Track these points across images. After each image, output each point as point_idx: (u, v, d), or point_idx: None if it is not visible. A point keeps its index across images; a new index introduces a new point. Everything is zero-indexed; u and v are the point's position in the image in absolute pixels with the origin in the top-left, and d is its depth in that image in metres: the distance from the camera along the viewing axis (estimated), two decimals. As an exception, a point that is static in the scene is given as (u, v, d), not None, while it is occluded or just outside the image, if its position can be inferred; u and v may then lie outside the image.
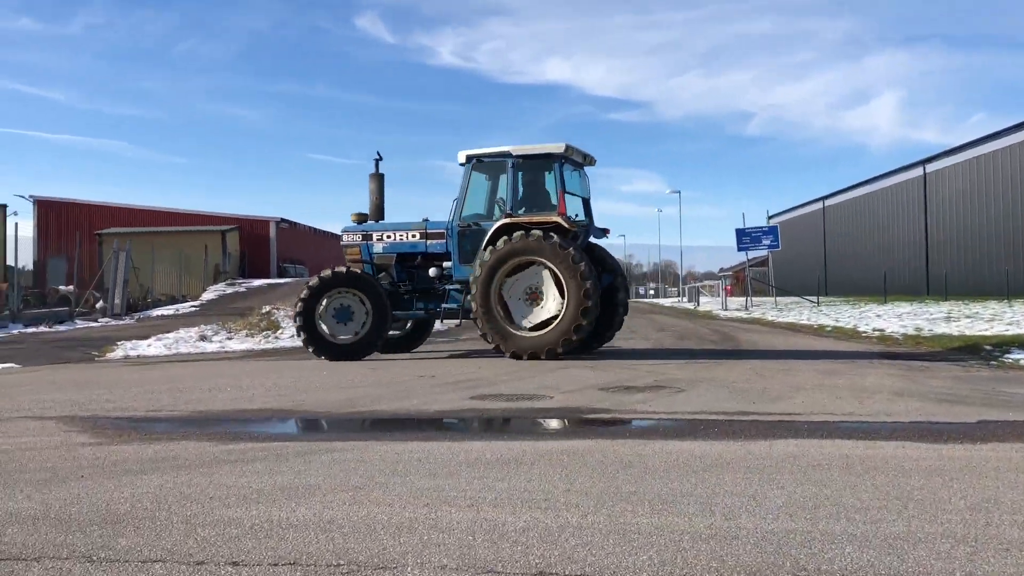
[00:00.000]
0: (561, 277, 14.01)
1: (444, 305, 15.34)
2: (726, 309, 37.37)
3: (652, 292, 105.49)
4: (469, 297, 14.46)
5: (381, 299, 14.95)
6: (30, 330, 25.91)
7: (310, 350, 14.99)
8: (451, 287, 15.35)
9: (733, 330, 23.25)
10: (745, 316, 31.84)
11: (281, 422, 8.14)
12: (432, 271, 15.40)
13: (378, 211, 16.53)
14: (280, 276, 52.36)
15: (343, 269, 15.32)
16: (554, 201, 14.79)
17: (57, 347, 20.18)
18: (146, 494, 4.93)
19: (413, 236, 15.68)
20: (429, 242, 15.57)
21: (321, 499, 4.77)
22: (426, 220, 15.82)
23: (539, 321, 14.26)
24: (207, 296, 40.71)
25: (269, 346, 20.09)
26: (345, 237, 16.18)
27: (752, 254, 46.85)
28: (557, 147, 14.83)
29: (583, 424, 7.67)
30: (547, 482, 5.15)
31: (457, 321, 16.35)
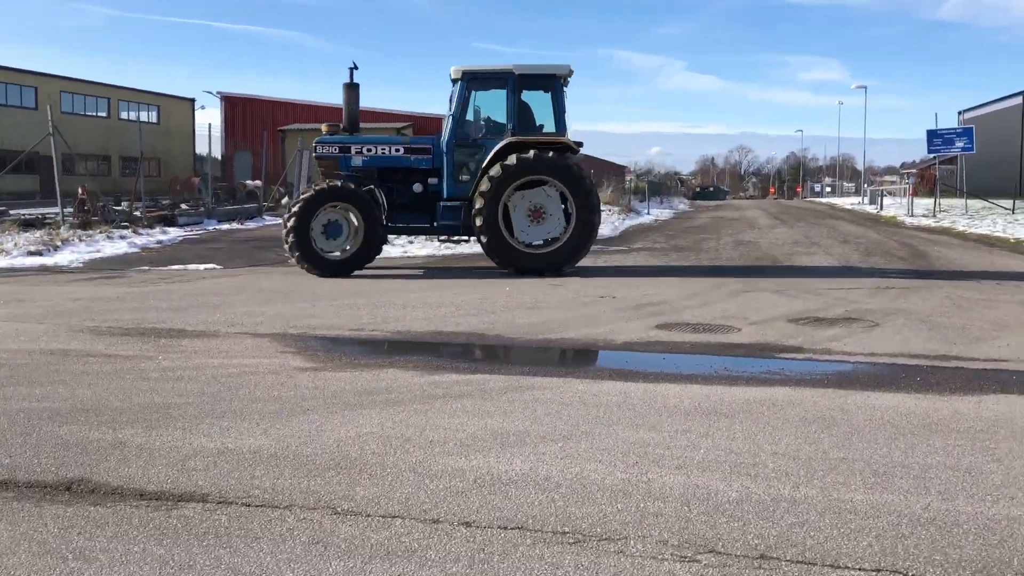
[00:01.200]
0: (570, 198, 14.77)
1: (444, 222, 15.20)
2: (911, 215, 35.64)
3: (828, 189, 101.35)
4: (474, 212, 14.51)
5: (373, 214, 14.80)
6: (224, 227, 27.47)
7: (304, 267, 14.77)
8: (445, 203, 15.13)
9: (922, 243, 22.24)
10: (933, 224, 30.32)
11: (479, 349, 8.47)
12: (416, 186, 15.30)
13: (353, 123, 15.86)
14: (451, 172, 53.25)
15: (337, 183, 15.05)
16: (555, 121, 15.15)
17: (252, 247, 21.35)
18: (370, 435, 5.30)
19: (396, 150, 15.48)
20: (414, 157, 15.40)
21: (533, 449, 5.01)
22: (402, 134, 16.45)
23: (542, 239, 14.89)
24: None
25: (449, 252, 20.63)
26: (319, 149, 15.62)
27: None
28: (561, 68, 15.16)
29: (777, 367, 7.62)
30: (751, 442, 5.21)
31: (457, 239, 16.23)
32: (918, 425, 5.62)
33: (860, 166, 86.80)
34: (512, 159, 14.42)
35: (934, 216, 34.07)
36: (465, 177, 15.12)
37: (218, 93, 60.09)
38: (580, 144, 15.49)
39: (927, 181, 64.45)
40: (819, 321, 9.84)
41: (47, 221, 23.29)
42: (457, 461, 4.79)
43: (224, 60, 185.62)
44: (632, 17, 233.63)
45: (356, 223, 14.87)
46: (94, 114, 63.17)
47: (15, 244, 18.93)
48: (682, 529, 3.86)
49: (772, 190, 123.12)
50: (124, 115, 65.65)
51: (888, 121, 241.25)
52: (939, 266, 16.55)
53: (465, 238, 15.98)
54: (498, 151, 14.68)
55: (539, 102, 15.47)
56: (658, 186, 66.57)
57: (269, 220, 30.29)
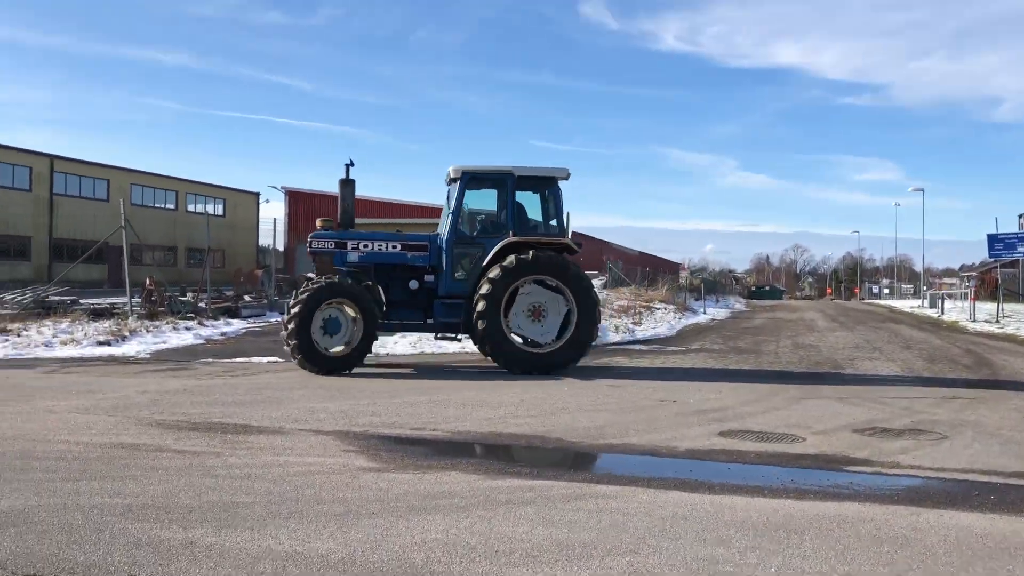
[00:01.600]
0: (571, 297, 15.05)
1: (441, 319, 15.25)
2: (973, 320, 35.00)
3: (887, 291, 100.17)
4: (477, 311, 14.57)
5: (371, 309, 14.70)
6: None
7: (305, 366, 14.54)
8: (443, 300, 15.24)
9: (986, 350, 21.81)
10: (996, 330, 29.74)
11: (540, 453, 8.43)
12: (412, 283, 15.49)
13: (348, 218, 15.80)
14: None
15: (335, 278, 14.78)
16: (557, 222, 15.54)
17: (312, 340, 21.60)
18: (436, 541, 5.29)
19: (393, 247, 15.55)
20: (411, 254, 15.53)
21: (600, 563, 4.96)
22: (398, 230, 16.41)
23: (542, 338, 15.07)
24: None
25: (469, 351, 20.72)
26: (314, 244, 15.58)
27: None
28: (560, 171, 15.60)
29: (845, 481, 7.47)
30: (823, 561, 5.10)
31: (456, 336, 16.15)
32: (995, 548, 5.46)
33: (918, 267, 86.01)
34: (511, 259, 14.65)
35: (997, 321, 33.45)
36: (461, 274, 15.25)
37: (282, 188, 61.69)
38: (580, 245, 15.74)
39: (988, 284, 63.47)
40: (885, 432, 9.66)
41: (115, 311, 23.92)
42: (524, 572, 4.75)
43: (289, 155, 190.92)
44: (685, 117, 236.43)
45: (355, 319, 14.69)
46: (162, 206, 65.11)
47: (85, 334, 19.43)
48: (757, 654, 3.78)
49: (829, 291, 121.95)
50: (191, 207, 67.60)
51: (946, 222, 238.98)
52: (1005, 375, 16.20)
53: (461, 336, 16.02)
54: (499, 250, 14.94)
55: (533, 202, 15.86)
56: (713, 284, 66.39)
57: (328, 313, 30.61)
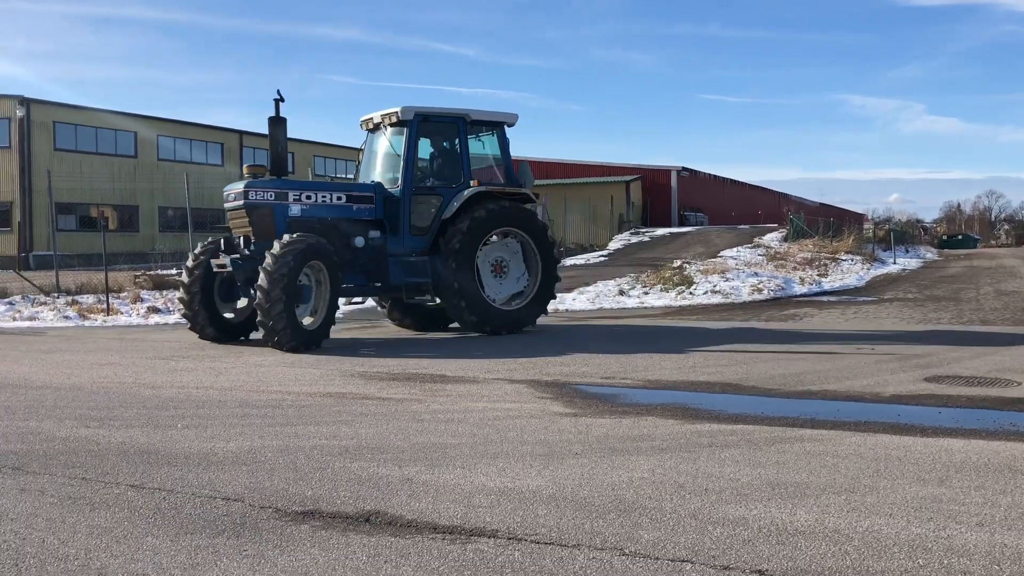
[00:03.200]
0: (536, 251, 14.21)
1: (401, 281, 13.36)
2: None
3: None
4: (452, 269, 13.14)
5: (337, 274, 12.55)
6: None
7: (283, 344, 11.82)
8: (403, 259, 13.42)
9: None
10: None
11: (736, 399, 8.32)
12: (358, 240, 13.22)
13: (281, 165, 13.26)
14: (681, 224, 52.99)
15: (311, 238, 12.26)
16: (506, 171, 14.43)
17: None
18: (643, 480, 5.31)
19: (339, 198, 13.39)
20: (356, 207, 13.46)
21: (815, 501, 4.86)
22: (333, 179, 15.12)
23: (509, 295, 14.12)
24: (613, 245, 42.32)
25: (685, 302, 20.52)
26: (252, 194, 12.76)
27: None
28: (510, 116, 14.55)
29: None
30: (1058, 501, 4.83)
31: (424, 298, 14.24)
32: None
33: None
34: (482, 211, 13.45)
35: None
36: (419, 229, 13.65)
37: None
38: (537, 196, 15.15)
39: None
40: (1113, 375, 9.01)
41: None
42: (737, 510, 4.71)
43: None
44: (864, 62, 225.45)
45: (324, 285, 12.44)
46: (344, 176, 67.61)
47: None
48: (996, 589, 3.62)
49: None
50: (369, 176, 69.89)
51: None
52: None
53: (426, 298, 14.22)
54: (467, 202, 13.49)
55: (476, 150, 14.54)
56: (901, 234, 63.30)
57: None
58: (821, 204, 76.60)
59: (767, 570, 3.83)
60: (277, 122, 13.02)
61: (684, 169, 58.60)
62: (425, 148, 14.34)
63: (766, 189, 73.70)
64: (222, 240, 13.26)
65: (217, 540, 4.23)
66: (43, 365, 10.78)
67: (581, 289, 22.60)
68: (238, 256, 12.75)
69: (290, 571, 3.83)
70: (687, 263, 26.35)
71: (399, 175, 13.59)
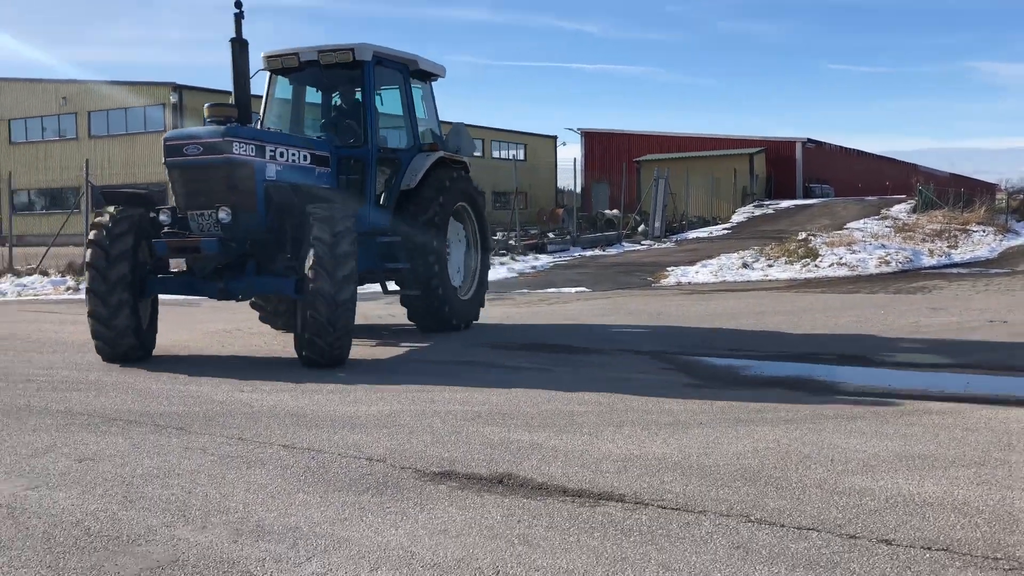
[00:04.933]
0: (477, 236, 11.71)
1: (379, 267, 10.19)
2: None
3: None
4: (433, 248, 10.06)
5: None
6: (588, 253, 28.50)
7: (344, 357, 8.47)
8: (385, 239, 10.11)
9: None
10: None
11: (862, 373, 8.10)
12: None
13: (246, 107, 9.16)
14: (806, 196, 51.46)
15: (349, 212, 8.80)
16: (439, 133, 11.29)
17: (615, 271, 21.99)
18: (768, 449, 5.27)
19: (305, 158, 9.66)
20: (317, 170, 9.87)
21: (944, 473, 4.73)
22: (278, 131, 10.13)
23: (457, 284, 11.07)
24: (736, 218, 41.44)
25: (810, 275, 20.00)
26: (235, 147, 8.55)
27: None
28: (441, 68, 11.54)
29: None
30: None
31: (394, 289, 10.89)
32: None
33: None
34: (448, 182, 10.64)
35: None
36: (384, 201, 10.45)
37: (578, 129, 62.74)
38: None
39: None
40: None
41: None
42: (863, 480, 4.63)
43: (583, 98, 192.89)
44: (995, 26, 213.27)
45: None
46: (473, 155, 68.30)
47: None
48: None
49: None
50: (496, 154, 70.30)
51: None
52: None
53: (392, 287, 10.79)
54: (432, 168, 10.52)
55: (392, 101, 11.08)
56: (1037, 205, 59.98)
57: (628, 246, 30.98)
58: (951, 174, 73.06)
59: (894, 540, 3.77)
60: (242, 46, 9.09)
61: (809, 141, 56.79)
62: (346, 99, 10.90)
63: (894, 160, 70.69)
64: (160, 212, 8.97)
65: (362, 497, 4.42)
66: (196, 334, 11.29)
67: (704, 262, 22.28)
68: (219, 234, 8.55)
69: (430, 528, 3.97)
70: (812, 235, 25.63)
71: (356, 130, 10.30)
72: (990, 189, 76.94)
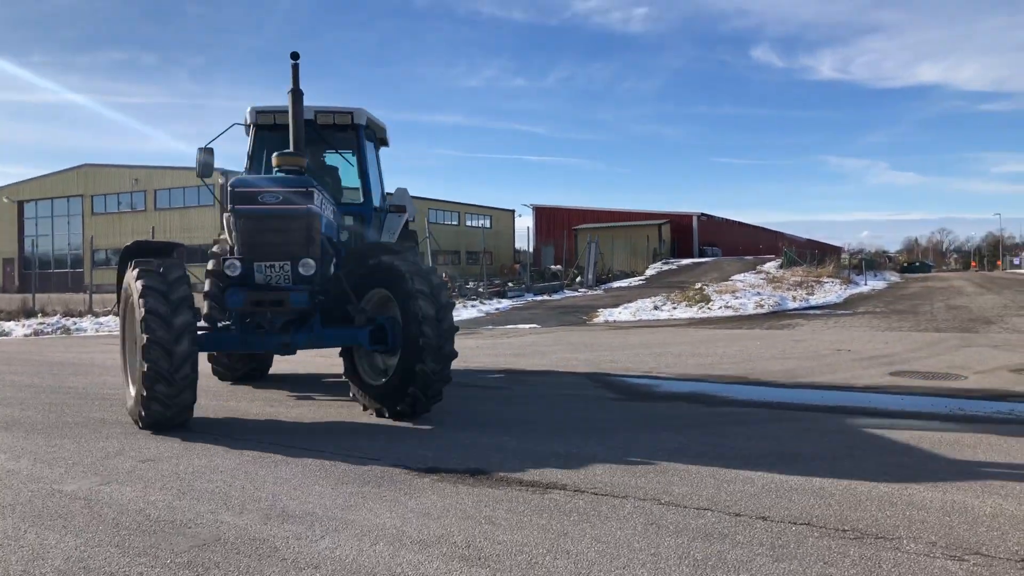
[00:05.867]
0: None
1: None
2: (1115, 282, 30.24)
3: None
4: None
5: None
6: (538, 298, 28.48)
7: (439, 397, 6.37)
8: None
9: None
10: None
11: (745, 388, 8.17)
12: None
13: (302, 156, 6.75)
14: (701, 256, 52.06)
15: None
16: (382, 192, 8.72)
17: (559, 312, 22.01)
18: (674, 449, 5.27)
19: (334, 212, 7.37)
20: (336, 224, 7.47)
21: (805, 465, 4.75)
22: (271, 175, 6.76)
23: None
24: (649, 272, 41.73)
25: (705, 315, 20.17)
26: (304, 195, 6.28)
27: None
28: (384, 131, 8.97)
29: (1007, 408, 6.73)
30: (996, 468, 4.65)
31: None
32: None
33: (1058, 241, 74.87)
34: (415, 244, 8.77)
35: None
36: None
37: (530, 205, 63.08)
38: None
39: None
40: (1041, 371, 8.61)
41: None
42: (746, 472, 4.65)
43: (534, 182, 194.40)
44: (840, 130, 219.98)
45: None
46: (449, 223, 68.36)
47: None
48: (947, 534, 3.52)
49: (974, 264, 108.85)
50: (469, 223, 70.46)
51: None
52: None
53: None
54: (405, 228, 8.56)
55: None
56: (871, 262, 61.24)
57: (568, 293, 31.00)
58: (808, 239, 74.39)
59: (769, 516, 3.79)
60: (298, 96, 6.87)
61: (703, 214, 57.63)
62: (332, 158, 8.61)
63: (766, 228, 71.85)
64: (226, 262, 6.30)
65: (364, 488, 4.35)
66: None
67: (625, 305, 22.40)
68: (307, 286, 6.27)
69: (417, 511, 3.92)
70: (705, 285, 25.91)
71: (338, 188, 8.40)
72: (837, 251, 78.37)
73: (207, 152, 7.24)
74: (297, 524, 3.71)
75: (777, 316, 19.20)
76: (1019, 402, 6.90)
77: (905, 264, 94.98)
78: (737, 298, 22.46)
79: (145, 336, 5.50)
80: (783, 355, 10.70)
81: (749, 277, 31.46)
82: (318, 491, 4.28)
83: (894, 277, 49.37)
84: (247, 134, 8.15)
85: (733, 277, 31.55)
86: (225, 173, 47.40)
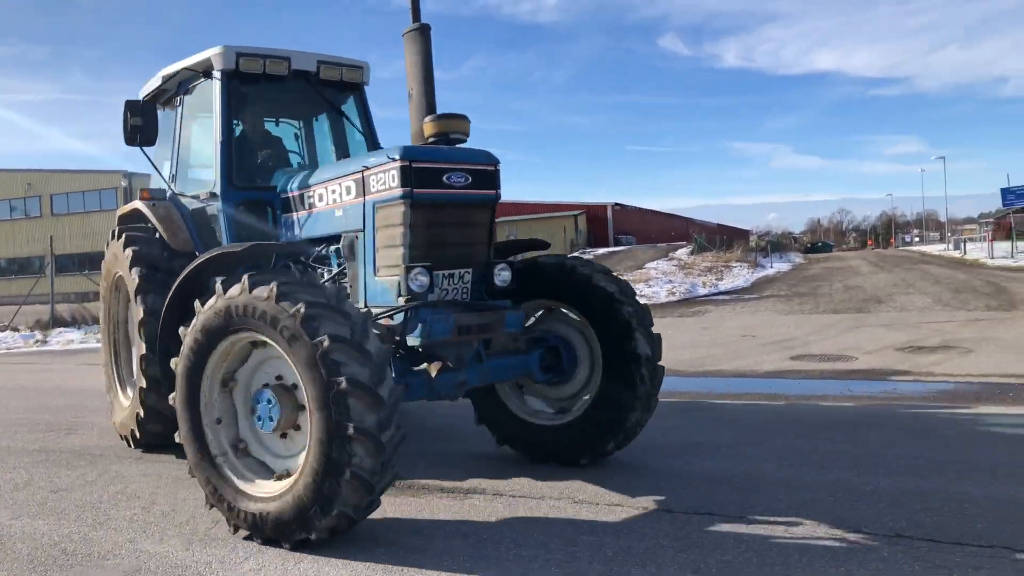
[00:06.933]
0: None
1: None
2: (992, 257, 32.56)
3: (917, 240, 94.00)
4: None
5: None
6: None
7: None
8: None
9: (1003, 280, 20.37)
10: (1012, 264, 27.63)
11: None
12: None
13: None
14: (616, 245, 53.19)
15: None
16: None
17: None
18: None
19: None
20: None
21: (712, 452, 5.06)
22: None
23: None
24: (567, 262, 42.34)
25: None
26: (493, 174, 4.41)
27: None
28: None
29: (891, 387, 7.28)
30: (878, 445, 5.07)
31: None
32: (1015, 431, 5.29)
33: (943, 219, 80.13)
34: None
35: (1012, 257, 31.07)
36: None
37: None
38: None
39: (1003, 228, 58.82)
40: (921, 349, 9.31)
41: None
42: (661, 462, 4.90)
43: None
44: (746, 117, 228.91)
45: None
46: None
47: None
48: (834, 513, 3.84)
49: (870, 242, 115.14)
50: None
51: (964, 179, 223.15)
52: (1021, 299, 15.15)
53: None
54: None
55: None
56: (777, 244, 64.05)
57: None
58: (718, 224, 77.05)
59: (674, 509, 4.04)
60: (424, 31, 6.22)
61: (616, 204, 58.81)
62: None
63: (678, 215, 73.90)
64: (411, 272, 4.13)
65: (288, 505, 4.37)
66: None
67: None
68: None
69: (341, 526, 3.99)
70: (620, 274, 26.52)
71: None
72: (745, 235, 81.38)
73: (143, 107, 5.23)
74: (220, 548, 3.73)
75: (688, 303, 19.88)
76: (900, 381, 7.47)
77: (809, 245, 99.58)
78: (650, 286, 23.10)
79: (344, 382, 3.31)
80: (693, 343, 11.16)
81: (662, 264, 32.37)
82: (240, 511, 4.27)
83: (798, 258, 51.69)
84: (209, 92, 5.44)
85: (647, 265, 32.40)
86: (128, 176, 44.76)
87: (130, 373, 6.12)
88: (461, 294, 4.42)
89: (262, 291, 3.60)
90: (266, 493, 3.72)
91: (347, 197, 4.53)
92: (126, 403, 5.93)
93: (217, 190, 5.24)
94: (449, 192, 4.24)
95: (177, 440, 4.08)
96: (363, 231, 4.38)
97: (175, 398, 4.04)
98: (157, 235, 5.63)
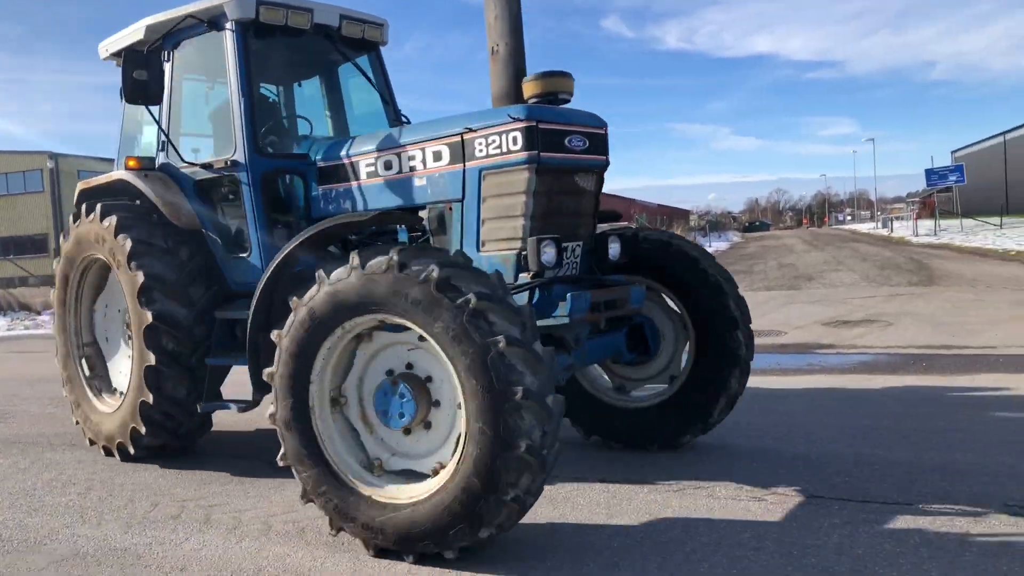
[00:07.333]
0: None
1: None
2: (916, 235, 33.95)
3: (849, 218, 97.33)
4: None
5: None
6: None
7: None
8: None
9: (926, 257, 21.32)
10: (935, 241, 28.89)
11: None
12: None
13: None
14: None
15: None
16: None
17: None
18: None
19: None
20: None
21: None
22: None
23: None
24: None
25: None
26: (604, 137, 4.13)
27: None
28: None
29: (816, 360, 7.63)
30: (801, 416, 5.35)
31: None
32: (926, 398, 5.65)
33: (873, 198, 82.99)
34: None
35: (935, 235, 32.47)
36: None
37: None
38: None
39: (928, 207, 61.27)
40: (846, 323, 9.75)
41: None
42: (589, 442, 5.07)
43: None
44: (687, 98, 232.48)
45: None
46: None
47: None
48: (752, 479, 4.07)
49: (806, 220, 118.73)
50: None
51: (894, 160, 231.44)
52: (940, 275, 15.93)
53: None
54: None
55: None
56: (716, 223, 65.53)
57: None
58: (659, 205, 78.24)
59: (607, 478, 4.21)
60: None
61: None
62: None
63: (620, 196, 74.84)
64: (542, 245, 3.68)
65: (228, 486, 4.42)
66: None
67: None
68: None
69: (282, 504, 4.05)
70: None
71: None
72: (686, 214, 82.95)
73: (148, 57, 4.44)
74: (160, 529, 3.75)
75: (630, 282, 20.20)
76: (824, 354, 7.84)
77: (747, 224, 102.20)
78: (593, 266, 23.35)
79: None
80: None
81: (605, 244, 32.67)
82: (180, 494, 4.30)
83: (736, 237, 53.04)
84: (210, 47, 4.81)
85: (590, 245, 32.68)
86: (55, 157, 43.20)
87: (106, 373, 5.37)
88: (572, 268, 4.04)
89: (418, 272, 2.99)
90: (401, 499, 3.19)
91: (436, 164, 3.96)
92: (106, 409, 5.13)
93: (241, 158, 4.53)
94: (571, 157, 3.86)
95: (281, 464, 3.51)
96: (462, 201, 3.85)
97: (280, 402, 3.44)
98: (154, 213, 4.81)
